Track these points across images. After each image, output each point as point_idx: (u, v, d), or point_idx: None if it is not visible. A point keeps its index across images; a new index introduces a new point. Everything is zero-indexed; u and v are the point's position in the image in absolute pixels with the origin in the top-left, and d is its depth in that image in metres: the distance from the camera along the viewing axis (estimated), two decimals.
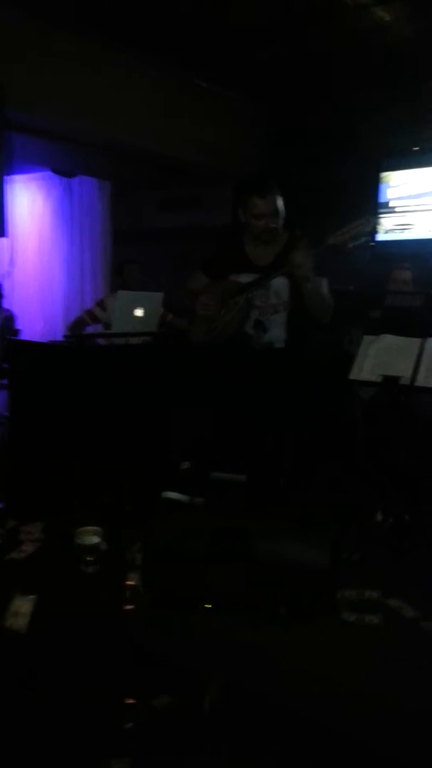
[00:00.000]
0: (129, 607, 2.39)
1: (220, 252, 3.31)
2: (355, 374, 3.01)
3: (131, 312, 4.02)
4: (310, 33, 4.57)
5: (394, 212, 5.58)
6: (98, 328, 4.80)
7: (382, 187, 5.62)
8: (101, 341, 4.32)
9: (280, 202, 3.04)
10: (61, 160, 6.39)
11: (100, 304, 4.85)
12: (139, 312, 4.03)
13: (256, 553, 2.26)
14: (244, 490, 2.86)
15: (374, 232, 3.13)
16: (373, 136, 5.53)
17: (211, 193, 6.61)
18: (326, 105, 5.77)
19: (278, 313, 3.12)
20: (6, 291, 5.75)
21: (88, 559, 2.63)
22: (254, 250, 3.17)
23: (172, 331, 4.52)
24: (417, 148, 5.42)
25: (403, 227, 5.54)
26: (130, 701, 1.90)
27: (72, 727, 1.81)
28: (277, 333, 3.14)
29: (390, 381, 2.91)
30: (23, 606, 2.31)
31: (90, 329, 4.88)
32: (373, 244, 5.58)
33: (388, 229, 5.61)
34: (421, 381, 2.85)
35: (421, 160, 5.44)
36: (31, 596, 2.35)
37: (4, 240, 5.93)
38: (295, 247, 2.96)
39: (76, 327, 4.93)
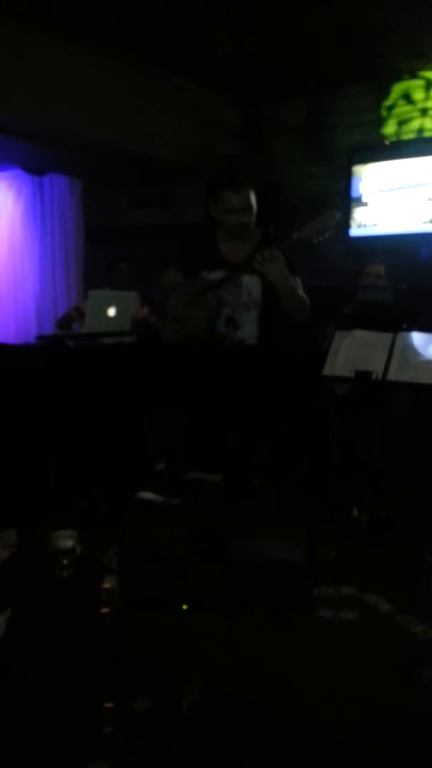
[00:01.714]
0: (105, 610, 2.37)
1: (192, 248, 3.27)
2: (328, 370, 3.02)
3: (103, 312, 3.99)
4: (280, 27, 4.57)
5: (367, 207, 5.60)
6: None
7: (354, 181, 5.63)
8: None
9: (252, 198, 3.02)
10: (32, 158, 6.31)
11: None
12: (111, 312, 4.00)
13: (232, 553, 2.25)
14: (219, 490, 2.85)
15: (339, 226, 3.13)
16: (344, 131, 5.53)
17: (183, 190, 6.57)
18: (297, 100, 5.77)
19: (250, 310, 3.11)
20: None
21: (63, 562, 2.61)
22: (226, 247, 3.15)
23: (153, 331, 4.48)
24: (388, 143, 5.44)
25: (376, 222, 5.56)
26: (109, 705, 1.88)
27: (50, 730, 1.79)
28: (249, 330, 3.14)
29: (362, 376, 2.92)
30: None
31: (76, 326, 4.84)
32: (346, 238, 5.60)
33: (361, 223, 5.63)
34: (393, 375, 2.86)
35: (392, 154, 5.45)
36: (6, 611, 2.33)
37: None
38: (265, 248, 2.94)
39: (63, 323, 4.89)
